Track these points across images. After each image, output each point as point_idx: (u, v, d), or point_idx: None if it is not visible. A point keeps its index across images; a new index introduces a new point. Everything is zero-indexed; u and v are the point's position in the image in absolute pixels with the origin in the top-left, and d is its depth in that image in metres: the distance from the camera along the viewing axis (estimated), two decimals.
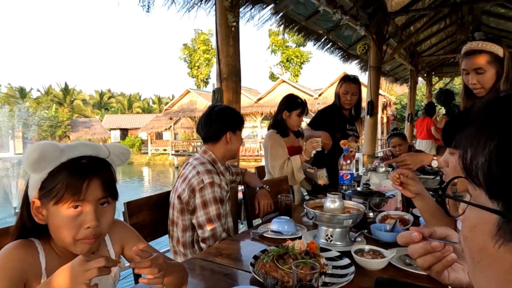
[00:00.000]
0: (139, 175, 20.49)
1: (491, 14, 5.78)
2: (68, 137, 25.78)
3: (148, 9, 2.05)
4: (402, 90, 19.44)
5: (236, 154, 1.85)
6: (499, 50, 1.58)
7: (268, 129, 2.59)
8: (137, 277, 1.39)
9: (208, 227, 1.54)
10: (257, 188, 1.97)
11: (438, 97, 5.99)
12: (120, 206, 1.57)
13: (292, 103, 2.46)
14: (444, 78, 11.22)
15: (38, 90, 38.53)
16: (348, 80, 2.72)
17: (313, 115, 2.99)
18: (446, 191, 0.45)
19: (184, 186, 1.61)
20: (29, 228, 0.84)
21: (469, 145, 0.37)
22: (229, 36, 2.24)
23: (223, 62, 2.27)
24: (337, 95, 2.78)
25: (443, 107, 6.97)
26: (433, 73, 9.77)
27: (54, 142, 0.82)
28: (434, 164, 1.78)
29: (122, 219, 1.58)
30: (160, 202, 1.75)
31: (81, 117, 33.66)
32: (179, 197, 1.61)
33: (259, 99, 20.60)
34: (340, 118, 2.77)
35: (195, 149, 20.61)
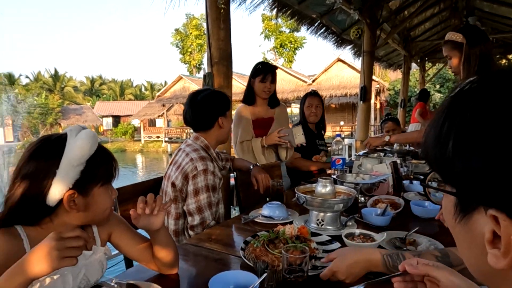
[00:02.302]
0: (132, 162, 20.40)
1: None
2: (60, 124, 25.43)
3: None
4: (395, 75, 19.44)
5: (228, 135, 1.83)
6: (458, 38, 1.80)
7: None
8: (128, 264, 1.39)
9: (198, 215, 1.53)
10: (251, 167, 1.95)
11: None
12: None
13: (254, 70, 2.40)
14: (437, 64, 11.22)
15: (27, 77, 37.71)
16: (309, 94, 2.88)
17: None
18: (427, 179, 0.49)
19: (177, 173, 1.58)
20: (24, 216, 0.83)
21: (426, 134, 0.42)
22: (219, 19, 2.18)
23: (213, 46, 2.23)
24: (301, 112, 2.87)
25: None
26: (426, 58, 9.76)
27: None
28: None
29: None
30: (149, 189, 1.72)
31: (72, 104, 33.18)
32: (173, 184, 1.59)
33: None
34: (309, 134, 2.73)
35: (188, 136, 20.56)
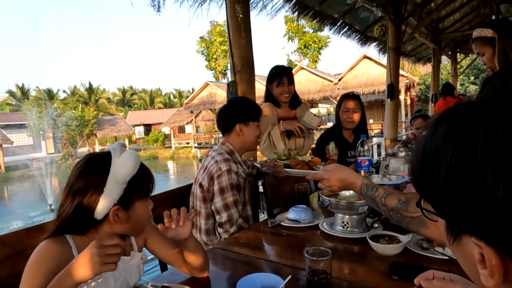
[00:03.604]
0: (164, 168, 21.03)
1: None
2: (95, 135, 26.64)
3: (158, 8, 2.09)
4: (426, 69, 18.75)
5: (253, 145, 1.86)
6: (488, 33, 1.80)
7: None
8: (163, 268, 1.47)
9: (225, 213, 1.61)
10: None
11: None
12: None
13: (270, 76, 2.39)
14: (470, 55, 10.71)
15: (64, 91, 39.97)
16: (347, 97, 2.55)
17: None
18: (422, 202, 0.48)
19: (204, 175, 1.69)
20: (73, 227, 0.92)
21: (413, 159, 0.42)
22: (240, 28, 2.25)
23: (235, 54, 2.30)
24: (337, 116, 2.60)
25: None
26: (458, 50, 9.35)
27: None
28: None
29: None
30: (182, 195, 1.82)
31: (106, 115, 34.65)
32: (200, 185, 1.69)
33: None
34: (341, 144, 2.47)
35: (217, 141, 20.86)
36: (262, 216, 2.79)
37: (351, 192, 1.38)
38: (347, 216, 1.37)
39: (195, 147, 23.70)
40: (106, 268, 0.76)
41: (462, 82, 17.96)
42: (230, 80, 2.39)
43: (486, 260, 0.34)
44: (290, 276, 0.92)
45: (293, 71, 2.50)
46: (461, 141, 0.34)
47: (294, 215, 1.55)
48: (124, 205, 0.93)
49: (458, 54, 9.71)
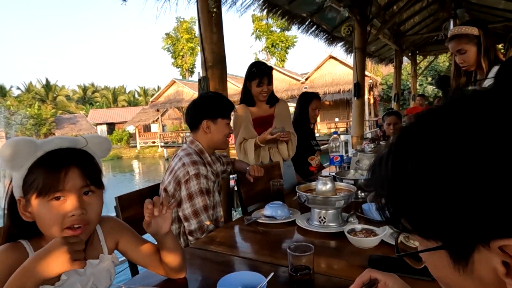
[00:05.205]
0: (129, 169, 20.31)
1: None
2: (54, 134, 25.23)
3: None
4: (387, 70, 19.57)
5: (223, 144, 1.75)
6: (474, 31, 1.82)
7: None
8: (134, 271, 1.39)
9: (195, 220, 1.51)
10: (247, 168, 1.94)
11: (437, 82, 5.99)
12: (112, 201, 1.57)
13: (249, 74, 2.32)
14: (428, 57, 11.31)
15: (19, 88, 37.44)
16: (317, 97, 2.96)
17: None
18: (399, 249, 0.45)
19: (170, 178, 1.58)
20: (16, 230, 0.83)
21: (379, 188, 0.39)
22: (211, 22, 2.19)
23: (207, 50, 2.24)
24: (305, 112, 2.90)
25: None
26: (417, 52, 9.85)
27: (28, 138, 0.82)
28: None
29: (114, 213, 1.57)
30: (151, 195, 1.73)
31: (66, 113, 32.92)
32: (165, 189, 1.59)
33: None
34: (306, 135, 2.85)
35: (184, 140, 20.46)
36: (235, 215, 2.75)
37: (328, 186, 1.38)
38: (323, 211, 1.38)
39: (161, 147, 23.14)
40: (76, 266, 0.71)
41: (421, 83, 18.96)
42: (201, 75, 2.33)
43: None
44: (272, 274, 0.89)
45: None
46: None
47: (271, 211, 1.53)
48: (25, 198, 0.81)
49: (418, 55, 10.22)
